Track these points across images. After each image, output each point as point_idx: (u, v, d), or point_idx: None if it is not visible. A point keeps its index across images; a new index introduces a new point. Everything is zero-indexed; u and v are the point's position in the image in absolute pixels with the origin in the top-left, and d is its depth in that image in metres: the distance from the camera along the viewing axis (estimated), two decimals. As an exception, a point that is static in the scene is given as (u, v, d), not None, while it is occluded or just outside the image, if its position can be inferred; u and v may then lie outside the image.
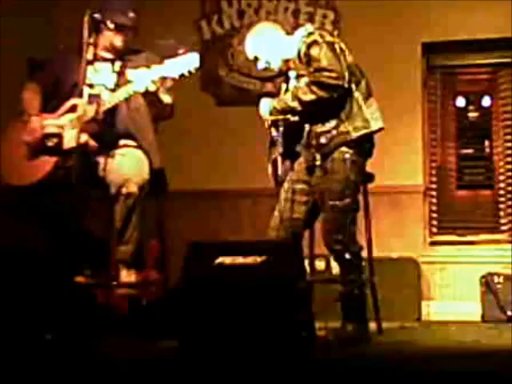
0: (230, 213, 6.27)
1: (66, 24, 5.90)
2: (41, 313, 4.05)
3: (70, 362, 3.49)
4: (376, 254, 4.66)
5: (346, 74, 4.16)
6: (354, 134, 4.21)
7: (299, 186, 4.37)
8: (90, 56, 4.15)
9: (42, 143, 4.34)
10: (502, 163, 6.25)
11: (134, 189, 4.22)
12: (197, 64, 4.22)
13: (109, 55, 4.49)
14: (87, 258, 4.45)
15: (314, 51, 4.18)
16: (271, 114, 4.32)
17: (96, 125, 4.32)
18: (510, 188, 6.21)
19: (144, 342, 4.13)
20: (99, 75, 4.44)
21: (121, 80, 4.39)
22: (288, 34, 4.43)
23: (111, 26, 4.39)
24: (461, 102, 6.39)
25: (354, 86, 4.22)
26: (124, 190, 4.23)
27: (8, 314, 4.07)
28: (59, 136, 4.30)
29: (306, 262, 4.50)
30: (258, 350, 3.36)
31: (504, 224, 6.20)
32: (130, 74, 4.33)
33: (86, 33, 4.14)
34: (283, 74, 4.48)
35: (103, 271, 4.56)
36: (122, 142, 4.40)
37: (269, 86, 6.41)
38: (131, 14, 4.43)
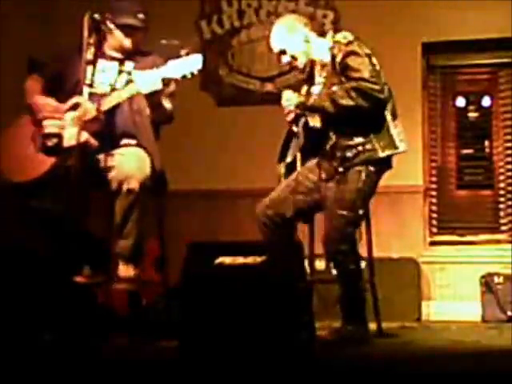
0: (230, 213, 6.27)
1: (66, 24, 5.91)
2: (40, 313, 4.05)
3: (70, 362, 3.49)
4: (376, 254, 4.66)
5: (386, 89, 4.15)
6: (381, 154, 4.19)
7: (306, 183, 4.35)
8: (90, 56, 4.14)
9: (41, 141, 4.34)
10: (501, 163, 6.26)
11: (135, 185, 4.22)
12: (199, 66, 4.20)
13: (118, 55, 4.49)
14: (87, 257, 4.44)
15: (354, 61, 4.14)
16: (298, 108, 4.27)
17: (97, 124, 4.32)
18: (510, 188, 6.22)
19: (144, 341, 4.13)
20: (105, 74, 4.43)
21: (126, 80, 4.39)
22: (320, 35, 4.39)
23: (111, 25, 4.38)
24: (461, 101, 6.39)
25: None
26: (125, 187, 4.22)
27: (8, 314, 4.07)
28: (59, 136, 4.30)
29: (306, 262, 4.50)
30: (257, 350, 3.36)
31: (504, 224, 6.21)
32: (134, 74, 4.33)
33: (85, 33, 4.13)
34: (305, 76, 4.43)
35: (103, 271, 4.57)
36: (123, 141, 4.40)
37: (269, 86, 6.42)
38: (141, 15, 4.41)
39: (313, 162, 4.38)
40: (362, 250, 4.44)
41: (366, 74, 4.11)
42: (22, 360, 3.47)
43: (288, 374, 3.19)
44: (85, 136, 4.25)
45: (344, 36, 4.25)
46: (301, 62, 4.34)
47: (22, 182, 4.35)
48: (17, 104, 4.75)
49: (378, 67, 4.19)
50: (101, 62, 4.43)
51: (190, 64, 4.21)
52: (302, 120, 4.36)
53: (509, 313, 5.65)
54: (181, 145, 6.05)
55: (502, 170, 6.26)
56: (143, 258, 4.58)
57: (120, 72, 4.45)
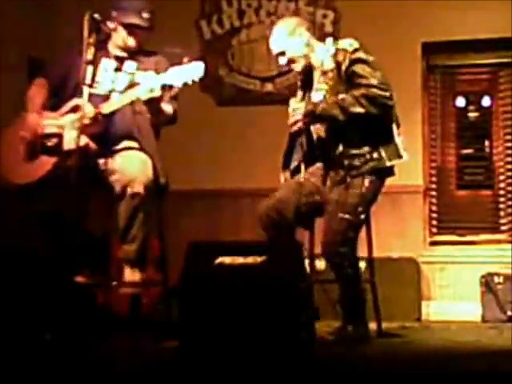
0: (230, 213, 6.27)
1: (66, 24, 5.91)
2: (41, 313, 4.05)
3: (70, 362, 3.49)
4: (376, 254, 4.66)
5: (394, 96, 4.16)
6: (388, 162, 4.20)
7: (308, 184, 4.34)
8: (90, 56, 4.13)
9: (40, 142, 4.33)
10: (501, 163, 6.26)
11: (139, 189, 4.20)
12: (201, 73, 4.17)
13: (121, 53, 4.47)
14: (87, 257, 4.44)
15: (361, 69, 4.13)
16: (306, 116, 4.27)
17: (97, 126, 4.30)
18: (510, 188, 6.22)
19: (144, 341, 4.13)
20: (107, 74, 4.42)
21: (129, 82, 4.37)
22: (319, 40, 4.37)
23: (111, 25, 4.38)
24: (461, 102, 6.39)
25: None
26: (129, 190, 4.20)
27: (8, 314, 4.07)
28: (59, 136, 4.29)
29: (306, 262, 4.50)
30: (258, 350, 3.36)
31: (504, 224, 6.21)
32: (137, 77, 4.31)
33: (85, 33, 4.13)
34: (301, 79, 4.43)
35: (103, 271, 4.57)
36: (125, 143, 4.38)
37: (269, 86, 6.42)
38: (145, 15, 4.39)
39: (315, 167, 4.37)
40: (362, 250, 4.44)
41: (374, 81, 4.11)
42: (22, 360, 3.47)
43: (288, 373, 3.19)
44: (85, 140, 4.23)
45: (350, 43, 4.24)
46: (299, 66, 4.34)
47: (22, 183, 4.34)
48: (17, 104, 4.74)
49: (383, 74, 4.18)
50: (104, 61, 4.43)
51: (191, 71, 4.17)
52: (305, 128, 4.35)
53: (509, 313, 5.65)
54: (181, 145, 6.05)
55: (501, 170, 6.26)
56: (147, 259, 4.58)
57: (117, 70, 4.43)
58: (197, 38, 6.54)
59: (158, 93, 4.17)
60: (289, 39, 4.31)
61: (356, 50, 4.19)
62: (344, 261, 4.18)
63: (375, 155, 4.19)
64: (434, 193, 6.34)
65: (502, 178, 6.25)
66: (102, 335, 4.13)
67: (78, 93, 4.25)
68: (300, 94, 4.41)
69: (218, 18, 6.56)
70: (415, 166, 6.15)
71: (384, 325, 4.61)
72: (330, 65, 4.23)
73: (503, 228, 6.21)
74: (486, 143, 6.37)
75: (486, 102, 6.34)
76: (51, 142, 4.30)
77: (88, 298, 4.41)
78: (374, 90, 4.10)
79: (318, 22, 6.31)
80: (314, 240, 4.65)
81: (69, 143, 4.21)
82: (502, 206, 6.23)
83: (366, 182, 4.20)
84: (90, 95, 4.19)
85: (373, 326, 4.44)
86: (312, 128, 4.31)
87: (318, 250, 4.64)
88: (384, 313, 4.63)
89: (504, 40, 6.01)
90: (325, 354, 3.73)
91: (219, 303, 3.45)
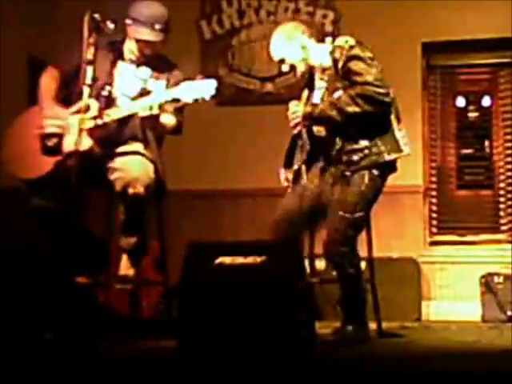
0: (230, 213, 6.28)
1: (66, 23, 5.91)
2: (41, 313, 4.05)
3: (70, 362, 3.49)
4: (376, 254, 4.66)
5: (391, 92, 4.15)
6: (387, 157, 4.19)
7: (311, 186, 4.34)
8: (90, 56, 4.12)
9: (41, 142, 4.32)
10: (502, 163, 6.26)
11: (140, 189, 4.18)
12: (213, 92, 4.14)
13: (135, 58, 4.41)
14: (87, 257, 4.44)
15: (357, 66, 4.12)
16: (305, 118, 4.27)
17: (103, 130, 4.26)
18: (510, 188, 6.22)
19: (144, 341, 4.13)
20: (125, 79, 4.39)
21: (142, 89, 4.33)
22: (318, 40, 4.38)
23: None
24: (461, 101, 6.39)
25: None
26: (131, 190, 4.18)
27: (8, 313, 4.07)
28: (59, 136, 4.28)
29: (306, 262, 4.50)
30: (257, 350, 3.36)
31: (504, 224, 6.21)
32: (149, 84, 4.27)
33: (86, 33, 4.11)
34: (305, 80, 4.43)
35: (103, 271, 4.56)
36: (129, 145, 4.35)
37: (269, 86, 6.42)
38: (158, 26, 4.27)
39: (317, 167, 4.37)
40: (362, 250, 4.44)
41: (370, 78, 4.11)
42: (22, 360, 3.47)
43: (288, 373, 3.19)
44: (88, 143, 4.20)
45: (346, 40, 4.24)
46: (300, 70, 4.35)
47: (25, 179, 4.33)
48: (17, 103, 4.74)
49: (381, 70, 4.18)
50: (121, 65, 4.40)
51: (203, 88, 4.15)
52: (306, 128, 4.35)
53: (509, 313, 5.66)
54: (181, 145, 6.03)
55: (501, 170, 6.26)
56: (143, 259, 4.57)
57: (137, 78, 4.38)
58: (197, 38, 6.54)
59: (155, 111, 4.14)
60: (285, 46, 4.32)
61: (352, 47, 4.19)
62: (345, 260, 4.18)
63: (374, 150, 4.18)
64: (434, 193, 6.34)
65: (502, 177, 6.26)
66: (102, 335, 4.13)
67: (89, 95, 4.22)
68: (305, 96, 4.41)
69: (218, 18, 6.57)
70: (415, 166, 6.15)
71: (384, 325, 4.61)
72: (327, 63, 4.25)
73: (503, 228, 6.21)
74: (486, 143, 6.37)
75: (486, 101, 6.34)
76: (51, 142, 4.29)
77: (88, 298, 4.41)
78: (370, 88, 4.09)
79: (317, 22, 6.32)
80: (314, 240, 4.65)
81: (68, 146, 4.18)
82: (502, 205, 6.24)
83: (366, 179, 4.19)
84: (104, 97, 4.18)
85: (373, 326, 4.44)
86: (314, 129, 4.31)
87: (318, 249, 4.65)
88: (384, 313, 4.63)
89: (504, 40, 6.01)
90: (325, 353, 3.73)
91: (219, 303, 3.45)
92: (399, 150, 4.24)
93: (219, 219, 6.24)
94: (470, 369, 3.31)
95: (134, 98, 4.30)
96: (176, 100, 4.17)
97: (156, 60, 4.40)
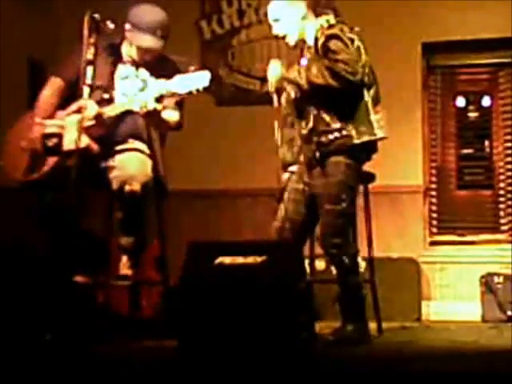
0: (230, 213, 6.28)
1: (66, 23, 5.91)
2: (41, 313, 4.05)
3: (70, 362, 3.49)
4: (376, 253, 4.66)
5: (360, 72, 4.12)
6: (357, 140, 4.16)
7: (300, 186, 4.36)
8: (90, 56, 4.12)
9: (41, 142, 4.32)
10: (501, 163, 6.26)
11: (137, 187, 4.19)
12: (206, 83, 4.16)
13: (134, 59, 4.42)
14: (87, 257, 4.44)
15: (334, 44, 4.12)
16: (279, 80, 4.27)
17: (101, 128, 4.28)
18: (510, 188, 6.22)
19: (144, 342, 4.13)
20: (124, 81, 4.39)
21: (142, 88, 4.33)
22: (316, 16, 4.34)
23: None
24: (461, 101, 6.39)
25: (365, 89, 4.20)
26: (127, 188, 4.19)
27: (8, 314, 4.07)
28: (59, 136, 4.29)
29: (306, 262, 4.50)
30: (257, 350, 3.36)
31: (504, 224, 6.21)
32: (149, 83, 4.28)
33: (85, 33, 4.11)
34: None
35: (103, 271, 4.56)
36: (130, 143, 4.36)
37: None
38: (159, 32, 4.28)
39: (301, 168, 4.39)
40: (362, 250, 4.44)
41: (341, 56, 4.10)
42: (22, 360, 3.47)
43: (288, 373, 3.19)
44: (85, 141, 4.21)
45: (326, 19, 4.25)
46: (292, 39, 4.33)
47: (23, 180, 4.34)
48: (17, 104, 4.74)
49: (362, 50, 4.17)
50: (121, 68, 4.40)
51: (196, 80, 4.16)
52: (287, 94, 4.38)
53: (509, 313, 5.66)
54: (181, 145, 6.04)
55: (501, 170, 6.26)
56: (142, 257, 4.57)
57: (137, 78, 4.39)
58: (197, 38, 6.54)
59: (151, 106, 4.15)
60: (286, 8, 4.31)
61: (331, 26, 4.20)
62: (341, 251, 4.18)
63: (344, 132, 4.17)
64: (434, 193, 6.34)
65: (502, 177, 6.25)
66: (102, 335, 4.13)
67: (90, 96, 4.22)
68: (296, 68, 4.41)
69: (218, 18, 6.57)
70: (415, 166, 6.16)
71: (384, 325, 4.61)
72: (311, 41, 4.26)
73: (503, 228, 6.21)
74: (486, 143, 6.37)
75: (486, 101, 6.34)
76: (51, 142, 4.30)
77: (88, 298, 4.42)
78: (339, 65, 4.09)
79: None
80: (314, 240, 4.65)
81: (69, 144, 4.20)
82: (502, 205, 6.23)
83: (343, 168, 4.18)
84: (105, 101, 4.19)
85: (373, 325, 4.44)
86: (288, 88, 4.31)
87: (318, 249, 4.65)
88: (384, 313, 4.64)
89: (504, 40, 6.01)
90: (325, 353, 3.73)
91: (219, 303, 3.45)
92: (372, 134, 4.21)
93: (219, 219, 6.24)
94: (470, 369, 3.31)
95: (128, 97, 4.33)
96: (172, 94, 4.18)
97: (156, 61, 4.40)
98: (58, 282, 4.14)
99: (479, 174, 6.37)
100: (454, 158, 6.38)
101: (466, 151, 6.41)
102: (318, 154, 4.21)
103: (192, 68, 4.19)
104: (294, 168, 4.48)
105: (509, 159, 6.23)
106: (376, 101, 4.24)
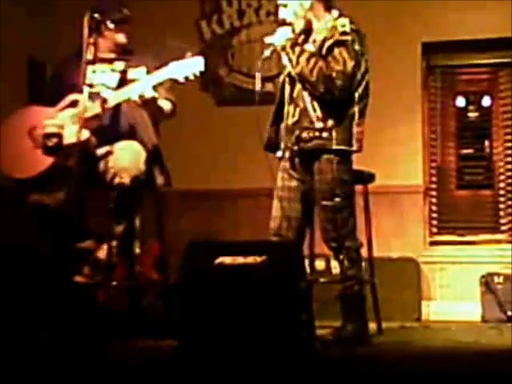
0: (230, 213, 6.28)
1: (66, 23, 5.91)
2: (40, 313, 4.05)
3: (70, 362, 3.49)
4: (376, 253, 4.66)
5: (346, 89, 4.12)
6: (334, 146, 4.17)
7: (293, 184, 4.35)
8: (90, 56, 4.14)
9: (41, 141, 4.33)
10: (502, 163, 6.26)
11: (126, 180, 4.23)
12: (201, 67, 4.23)
13: (112, 55, 4.49)
14: (87, 257, 4.44)
15: (339, 53, 4.12)
16: (283, 48, 4.24)
17: (98, 121, 4.32)
18: (509, 188, 6.22)
19: (144, 341, 4.13)
20: (100, 75, 4.43)
21: (122, 80, 4.40)
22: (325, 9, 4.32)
23: (111, 25, 4.40)
24: (461, 101, 6.39)
25: (356, 98, 4.19)
26: (117, 180, 4.24)
27: (8, 313, 4.07)
28: (59, 136, 4.29)
29: (306, 262, 4.50)
30: (257, 350, 3.36)
31: (504, 224, 6.21)
32: (132, 73, 4.34)
33: (86, 33, 4.14)
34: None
35: (103, 271, 4.56)
36: (126, 140, 4.39)
37: (269, 86, 6.42)
38: (125, 10, 4.48)
39: (285, 161, 4.39)
40: (362, 250, 4.43)
41: (339, 67, 4.09)
42: (22, 360, 3.47)
43: (288, 373, 3.19)
44: (86, 134, 4.25)
45: (343, 24, 4.22)
46: (297, 27, 4.31)
47: (20, 178, 4.34)
48: (17, 103, 4.74)
49: (362, 68, 4.18)
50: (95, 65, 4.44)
51: (191, 66, 4.22)
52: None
53: (509, 313, 5.65)
54: (181, 145, 6.05)
55: (501, 170, 6.26)
56: (142, 257, 4.58)
57: (114, 71, 4.46)
58: (197, 38, 6.54)
59: (149, 94, 4.21)
60: None
61: (344, 34, 4.19)
62: (341, 244, 4.18)
63: (325, 134, 4.17)
64: (433, 193, 6.34)
65: (502, 177, 6.25)
66: (101, 335, 4.13)
67: (73, 92, 4.27)
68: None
69: (218, 18, 6.57)
70: (415, 166, 6.15)
71: (384, 325, 4.61)
72: (320, 37, 4.24)
73: (503, 228, 6.21)
74: (486, 143, 6.36)
75: (486, 101, 6.34)
76: (51, 142, 4.30)
77: (88, 298, 4.41)
78: (332, 74, 4.10)
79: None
80: (314, 240, 4.65)
81: (69, 137, 4.23)
82: (502, 205, 6.23)
83: (335, 164, 4.19)
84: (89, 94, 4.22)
85: (373, 325, 4.44)
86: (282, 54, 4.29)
87: (318, 249, 4.65)
88: (384, 313, 4.64)
89: (504, 40, 6.01)
90: (325, 353, 3.73)
91: (219, 303, 3.45)
92: (350, 145, 4.21)
93: (219, 219, 6.24)
94: (470, 369, 3.32)
95: (115, 89, 4.38)
96: (169, 80, 4.23)
97: (125, 53, 4.52)
98: (58, 282, 4.14)
99: (479, 174, 6.37)
100: (454, 157, 6.38)
101: (465, 151, 6.41)
102: (295, 148, 4.22)
103: (189, 54, 4.25)
104: (279, 153, 4.45)
105: (509, 159, 6.23)
106: (362, 114, 4.24)
